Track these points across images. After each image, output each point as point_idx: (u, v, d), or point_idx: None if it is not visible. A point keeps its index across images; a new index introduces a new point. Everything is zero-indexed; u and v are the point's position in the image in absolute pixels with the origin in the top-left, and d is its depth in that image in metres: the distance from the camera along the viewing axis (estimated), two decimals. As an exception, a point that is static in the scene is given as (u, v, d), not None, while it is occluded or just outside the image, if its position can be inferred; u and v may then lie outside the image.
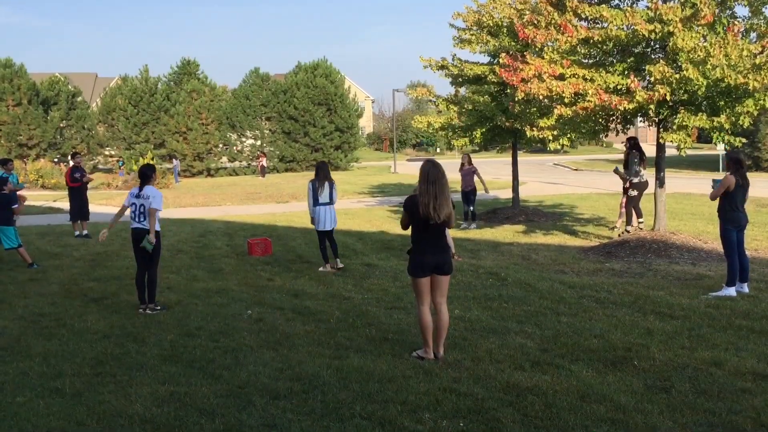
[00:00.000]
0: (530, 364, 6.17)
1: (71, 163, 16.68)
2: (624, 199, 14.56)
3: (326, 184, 11.08)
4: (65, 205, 20.50)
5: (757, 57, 10.31)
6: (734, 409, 5.04)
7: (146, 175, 8.72)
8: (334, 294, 9.39)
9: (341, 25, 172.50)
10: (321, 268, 11.16)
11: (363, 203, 23.48)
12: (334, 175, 11.46)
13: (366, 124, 79.71)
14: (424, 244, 6.28)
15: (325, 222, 11.13)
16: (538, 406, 5.15)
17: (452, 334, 6.94)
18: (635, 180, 13.80)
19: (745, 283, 8.95)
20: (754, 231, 13.49)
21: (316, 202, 11.12)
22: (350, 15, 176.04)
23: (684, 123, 10.88)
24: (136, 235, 8.62)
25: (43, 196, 29.05)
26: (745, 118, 10.76)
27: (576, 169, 41.89)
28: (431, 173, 6.16)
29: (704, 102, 11.38)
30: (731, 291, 8.74)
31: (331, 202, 11.16)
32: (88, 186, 16.41)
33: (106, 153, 47.10)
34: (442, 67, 17.53)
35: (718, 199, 8.96)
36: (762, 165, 34.51)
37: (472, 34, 16.94)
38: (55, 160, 43.58)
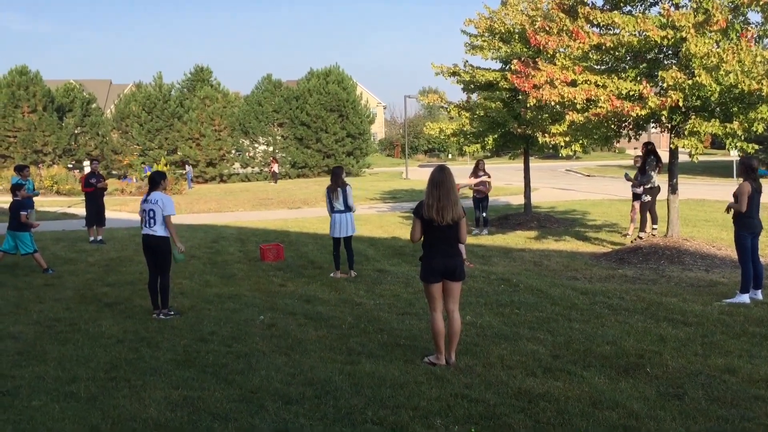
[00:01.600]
0: (542, 371, 6.17)
1: (87, 169, 16.85)
2: (636, 205, 14.53)
3: (339, 190, 11.10)
4: (80, 210, 20.69)
5: (771, 63, 10.27)
6: (747, 417, 5.02)
7: (154, 180, 8.81)
8: (346, 299, 9.41)
9: (353, 32, 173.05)
10: (332, 274, 11.19)
11: (375, 209, 23.52)
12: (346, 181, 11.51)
13: (378, 130, 79.83)
14: (433, 249, 6.31)
15: (340, 229, 11.13)
16: (549, 412, 5.15)
17: (464, 340, 6.94)
18: (648, 185, 13.78)
19: (759, 290, 8.90)
20: (768, 237, 13.41)
21: (332, 209, 11.18)
22: (362, 21, 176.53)
23: (696, 129, 10.85)
24: (146, 241, 8.70)
25: (58, 202, 29.27)
26: (758, 124, 10.71)
27: (588, 175, 41.73)
28: (436, 177, 6.26)
29: (717, 108, 11.34)
30: (745, 298, 8.69)
31: (346, 209, 11.17)
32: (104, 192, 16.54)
33: (124, 161, 47.40)
34: (454, 74, 17.57)
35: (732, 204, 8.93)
36: (776, 171, 34.27)
37: (483, 41, 16.96)
38: (69, 165, 43.95)
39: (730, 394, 5.49)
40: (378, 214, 21.64)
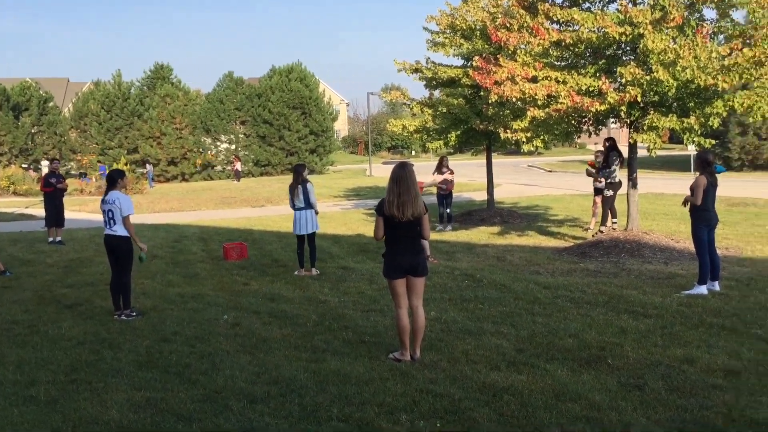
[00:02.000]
0: (506, 364, 6.22)
1: (44, 170, 16.60)
2: (598, 200, 14.72)
3: (299, 187, 11.08)
4: (37, 211, 20.27)
5: (726, 59, 10.48)
6: (706, 405, 5.13)
7: (112, 179, 8.66)
8: (311, 297, 9.38)
9: (316, 29, 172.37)
10: (296, 272, 11.16)
11: (338, 206, 23.48)
12: (309, 179, 11.50)
13: (341, 127, 79.72)
14: (396, 246, 6.33)
15: (300, 226, 11.13)
16: (513, 405, 5.20)
17: (429, 336, 6.97)
18: (609, 180, 13.98)
19: (717, 282, 9.09)
20: (725, 230, 13.71)
21: (293, 206, 11.17)
22: (325, 19, 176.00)
23: (654, 124, 11.03)
24: (107, 242, 8.56)
25: (15, 202, 28.63)
26: (714, 119, 10.95)
27: (550, 171, 42.22)
28: (397, 173, 6.29)
29: (674, 103, 11.55)
30: (703, 289, 8.87)
31: (307, 206, 11.13)
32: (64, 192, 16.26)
33: (79, 159, 46.57)
34: (416, 71, 17.60)
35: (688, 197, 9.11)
36: (732, 165, 35.08)
37: (445, 38, 17.03)
38: (24, 165, 42.99)
39: (689, 383, 5.60)
40: (342, 212, 21.61)
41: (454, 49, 16.89)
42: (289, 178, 12.56)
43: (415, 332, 6.41)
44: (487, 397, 5.39)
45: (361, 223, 18.04)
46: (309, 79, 49.73)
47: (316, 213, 11.32)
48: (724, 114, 11.04)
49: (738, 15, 12.71)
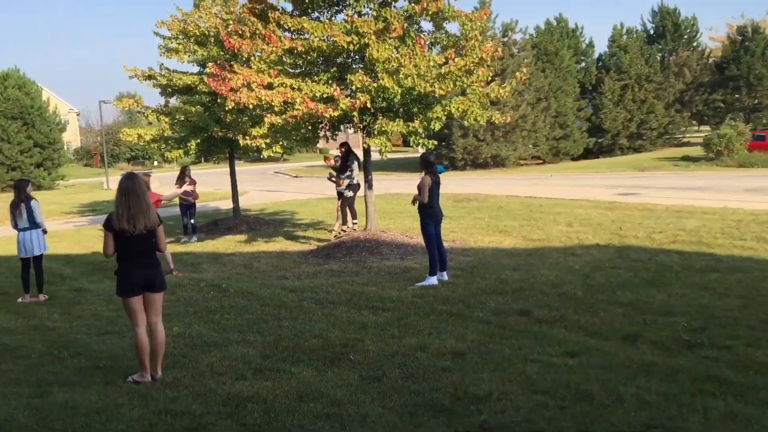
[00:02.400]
0: (252, 373, 6.16)
1: None
2: (339, 202, 15.24)
3: (22, 205, 10.07)
4: None
5: (442, 67, 11.41)
6: (435, 387, 5.51)
7: None
8: (37, 326, 8.52)
9: (39, 34, 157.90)
10: (20, 299, 10.09)
11: (72, 223, 21.74)
12: (38, 195, 10.45)
13: (72, 138, 74.00)
14: (129, 262, 6.01)
15: (26, 248, 10.12)
16: (257, 413, 5.15)
17: (171, 353, 6.68)
18: (349, 182, 14.56)
19: (445, 272, 9.85)
20: (451, 224, 14.94)
21: (16, 227, 10.12)
22: (51, 23, 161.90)
23: (383, 128, 11.67)
24: None
25: None
26: (435, 122, 11.88)
27: (296, 176, 43.00)
28: (124, 185, 5.98)
29: (401, 109, 12.30)
30: (433, 280, 9.57)
31: (32, 226, 10.14)
32: None
33: None
34: (150, 77, 16.85)
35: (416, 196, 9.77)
36: (457, 165, 38.42)
37: (179, 44, 16.51)
38: None
39: (422, 369, 5.98)
40: (75, 229, 20.03)
41: (189, 56, 16.45)
42: (10, 196, 11.32)
43: (155, 350, 6.11)
44: (230, 409, 5.27)
45: (98, 240, 16.78)
46: (29, 87, 45.38)
47: (44, 232, 10.37)
48: (444, 118, 12.03)
49: (452, 27, 13.95)
